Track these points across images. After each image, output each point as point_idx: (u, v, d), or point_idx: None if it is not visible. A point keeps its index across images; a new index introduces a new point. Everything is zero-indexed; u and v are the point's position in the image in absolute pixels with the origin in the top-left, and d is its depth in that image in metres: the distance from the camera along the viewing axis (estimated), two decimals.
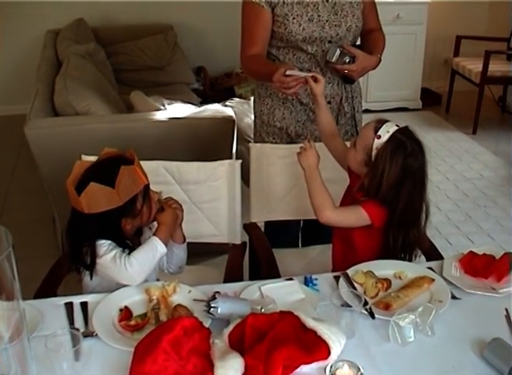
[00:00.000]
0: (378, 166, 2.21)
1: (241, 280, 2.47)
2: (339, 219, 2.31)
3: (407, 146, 2.20)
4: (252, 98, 4.74)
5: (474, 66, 6.24)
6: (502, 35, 6.50)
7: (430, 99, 6.86)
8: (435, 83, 7.15)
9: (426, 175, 2.28)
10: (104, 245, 2.10)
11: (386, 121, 2.27)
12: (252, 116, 4.24)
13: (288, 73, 2.50)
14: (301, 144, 2.83)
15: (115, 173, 2.05)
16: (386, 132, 2.22)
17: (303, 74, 2.53)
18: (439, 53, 7.03)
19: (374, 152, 2.23)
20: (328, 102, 2.85)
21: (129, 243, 2.19)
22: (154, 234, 2.17)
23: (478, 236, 4.27)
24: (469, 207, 4.68)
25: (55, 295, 2.21)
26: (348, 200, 2.37)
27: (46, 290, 2.30)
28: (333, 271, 2.40)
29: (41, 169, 3.46)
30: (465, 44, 6.60)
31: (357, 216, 2.27)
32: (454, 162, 5.43)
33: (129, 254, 2.10)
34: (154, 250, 2.12)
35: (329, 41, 2.76)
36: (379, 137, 2.22)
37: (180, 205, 2.32)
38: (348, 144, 2.56)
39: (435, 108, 6.82)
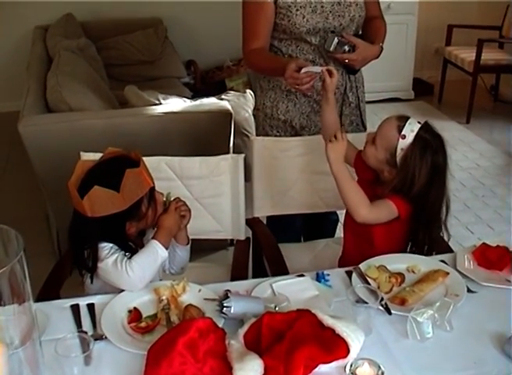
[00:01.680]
0: (409, 169, 2.18)
1: (247, 277, 2.43)
2: (375, 217, 2.24)
3: (432, 144, 2.19)
4: (248, 91, 4.72)
5: (466, 54, 6.20)
6: (493, 23, 6.47)
7: (422, 89, 6.83)
8: (426, 73, 7.12)
9: (448, 168, 2.27)
10: (105, 249, 2.04)
11: (407, 118, 2.23)
12: (249, 110, 4.22)
13: (304, 70, 2.43)
14: (305, 138, 2.80)
15: (120, 176, 1.98)
16: (411, 131, 2.18)
17: (316, 69, 2.46)
18: (431, 43, 6.98)
19: (399, 153, 2.20)
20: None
21: (132, 245, 2.12)
22: (153, 238, 2.10)
23: (478, 226, 4.24)
24: (467, 197, 4.64)
25: (58, 298, 2.16)
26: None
27: (48, 292, 2.25)
28: (342, 265, 2.37)
29: (36, 167, 3.39)
30: (456, 33, 6.57)
31: (388, 211, 2.23)
32: (449, 152, 5.37)
33: (130, 257, 2.04)
34: (155, 254, 2.06)
35: (332, 32, 2.70)
36: (404, 137, 2.18)
37: (188, 208, 2.26)
38: (349, 136, 2.52)
39: (428, 98, 6.79)
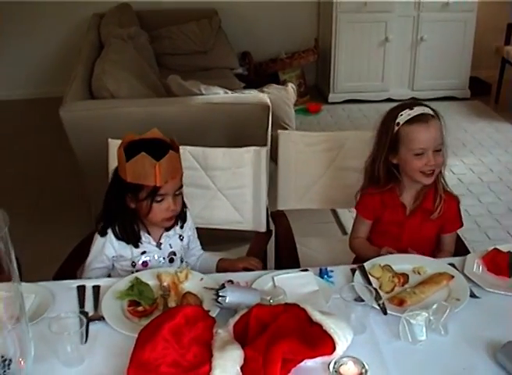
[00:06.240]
0: None
1: (265, 268, 2.44)
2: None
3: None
4: (290, 84, 4.73)
5: None
6: None
7: (479, 88, 6.67)
8: (484, 72, 6.93)
9: None
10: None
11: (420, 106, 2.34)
12: (290, 103, 4.23)
13: None
14: (331, 133, 2.80)
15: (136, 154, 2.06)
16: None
17: None
18: (489, 41, 6.79)
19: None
20: None
21: (130, 220, 2.22)
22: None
23: None
24: None
25: (74, 277, 2.23)
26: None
27: (64, 272, 2.32)
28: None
29: (76, 152, 3.47)
30: None
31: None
32: (500, 154, 5.26)
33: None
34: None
35: None
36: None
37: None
38: None
39: (484, 97, 6.62)
